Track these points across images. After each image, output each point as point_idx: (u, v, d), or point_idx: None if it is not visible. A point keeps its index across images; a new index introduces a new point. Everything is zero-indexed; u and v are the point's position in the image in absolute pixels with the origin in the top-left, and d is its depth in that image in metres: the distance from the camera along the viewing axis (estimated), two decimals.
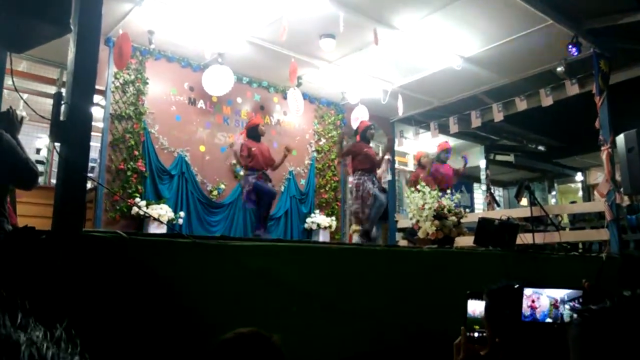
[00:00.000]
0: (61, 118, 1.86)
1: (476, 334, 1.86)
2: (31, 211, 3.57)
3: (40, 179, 5.77)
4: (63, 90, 1.95)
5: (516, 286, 2.03)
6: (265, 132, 5.64)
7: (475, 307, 1.93)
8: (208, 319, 1.90)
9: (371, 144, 5.30)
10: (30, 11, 1.73)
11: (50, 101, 1.91)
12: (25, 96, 5.73)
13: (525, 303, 2.29)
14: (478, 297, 1.91)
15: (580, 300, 2.26)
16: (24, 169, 2.05)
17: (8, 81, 2.01)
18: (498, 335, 1.77)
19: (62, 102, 1.87)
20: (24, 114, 6.62)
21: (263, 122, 5.69)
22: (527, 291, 2.31)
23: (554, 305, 2.44)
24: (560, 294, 2.46)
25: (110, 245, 1.77)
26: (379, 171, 5.42)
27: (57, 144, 1.91)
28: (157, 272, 1.86)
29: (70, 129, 1.84)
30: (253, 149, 5.24)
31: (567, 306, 2.35)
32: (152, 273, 1.84)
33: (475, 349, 1.81)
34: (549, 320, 2.39)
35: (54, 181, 5.27)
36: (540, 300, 2.43)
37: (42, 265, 1.59)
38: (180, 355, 1.80)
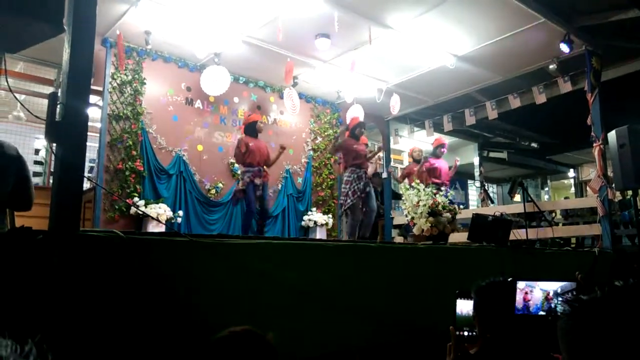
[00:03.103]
0: (57, 118, 1.86)
1: (465, 333, 1.87)
2: (28, 211, 3.57)
3: (39, 179, 5.78)
4: (58, 91, 1.95)
5: (509, 279, 2.05)
6: (262, 128, 5.67)
7: (463, 307, 1.93)
8: (206, 317, 1.92)
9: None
10: (23, 9, 1.68)
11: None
12: (22, 97, 5.74)
13: (519, 296, 2.32)
14: (466, 296, 1.92)
15: (574, 293, 2.29)
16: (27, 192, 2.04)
17: (3, 82, 2.01)
18: (488, 331, 1.78)
19: (58, 102, 1.87)
20: (21, 114, 6.59)
21: (261, 118, 5.71)
22: (520, 284, 2.33)
23: (547, 298, 2.47)
24: (553, 286, 2.49)
25: (108, 244, 1.77)
26: (369, 170, 5.49)
27: (54, 145, 1.92)
28: (154, 271, 1.86)
29: (65, 129, 1.83)
30: (250, 145, 5.28)
31: (560, 299, 2.37)
32: (149, 272, 1.85)
33: (464, 348, 1.81)
34: (541, 313, 2.42)
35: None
36: (533, 293, 2.46)
37: (38, 265, 1.60)
38: (177, 354, 1.82)
